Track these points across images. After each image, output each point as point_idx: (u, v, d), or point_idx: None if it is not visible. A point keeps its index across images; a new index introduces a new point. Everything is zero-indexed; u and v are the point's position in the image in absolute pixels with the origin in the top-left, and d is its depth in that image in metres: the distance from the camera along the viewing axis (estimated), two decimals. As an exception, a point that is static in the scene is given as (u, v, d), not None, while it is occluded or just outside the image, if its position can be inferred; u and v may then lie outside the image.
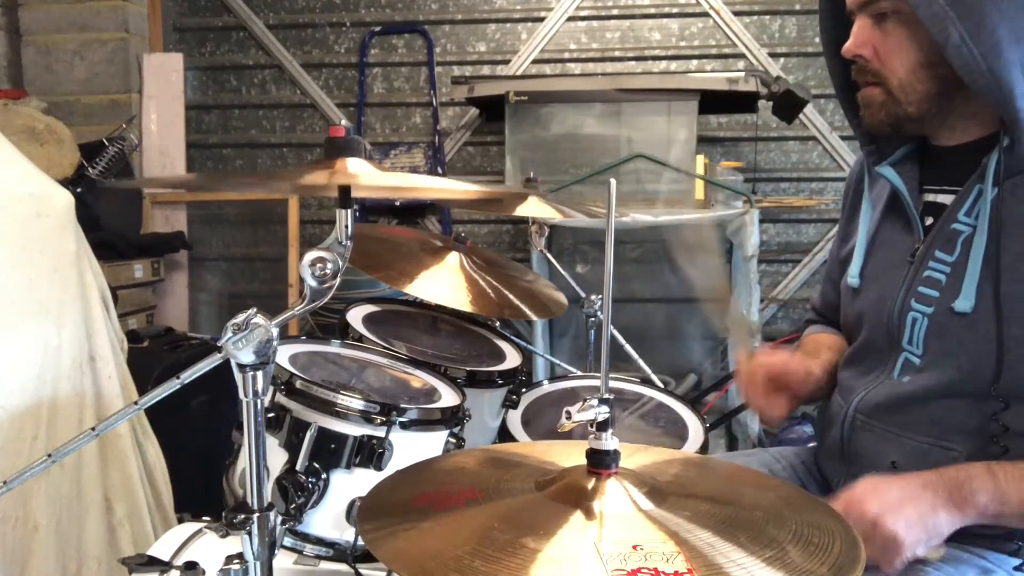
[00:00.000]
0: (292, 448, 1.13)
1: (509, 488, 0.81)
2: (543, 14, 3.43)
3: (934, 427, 1.06)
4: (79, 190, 2.68)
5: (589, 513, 0.73)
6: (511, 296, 1.64)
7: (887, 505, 0.94)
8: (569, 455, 0.86)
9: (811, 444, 1.45)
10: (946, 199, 1.11)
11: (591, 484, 0.76)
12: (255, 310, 0.82)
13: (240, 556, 0.87)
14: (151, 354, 2.44)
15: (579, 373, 1.88)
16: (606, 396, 0.78)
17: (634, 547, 0.67)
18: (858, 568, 0.67)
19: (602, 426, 0.78)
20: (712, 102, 2.97)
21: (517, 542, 0.68)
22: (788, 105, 2.89)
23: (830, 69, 1.23)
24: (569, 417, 0.77)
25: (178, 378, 0.88)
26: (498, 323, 1.80)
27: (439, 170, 3.48)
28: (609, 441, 0.78)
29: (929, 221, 1.12)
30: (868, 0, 1.07)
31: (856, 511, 0.95)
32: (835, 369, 1.29)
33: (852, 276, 1.22)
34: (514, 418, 1.56)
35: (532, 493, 0.79)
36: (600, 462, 0.78)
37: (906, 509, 0.94)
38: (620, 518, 0.73)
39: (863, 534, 0.93)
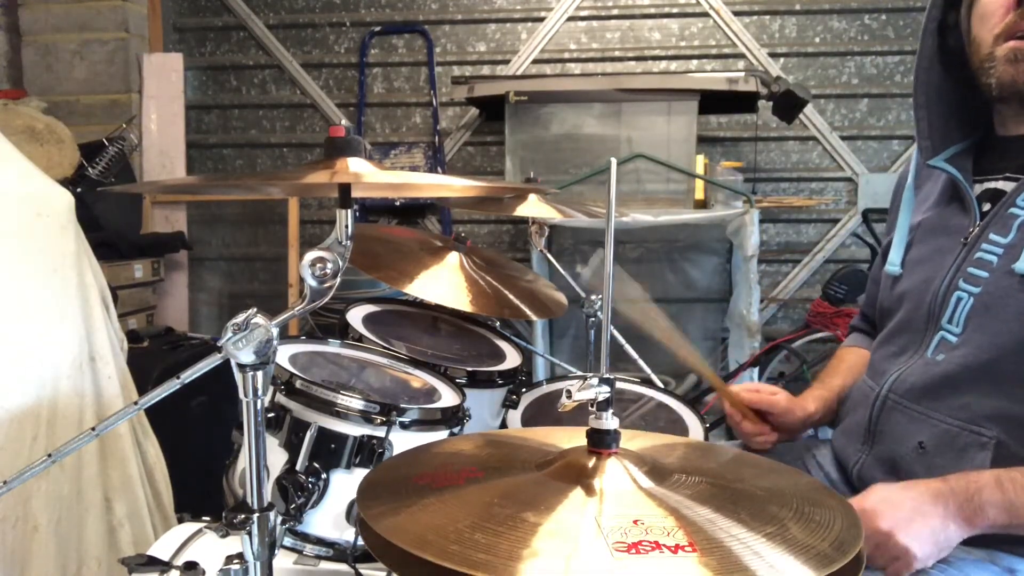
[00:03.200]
0: (292, 448, 1.13)
1: (510, 468, 0.81)
2: (543, 14, 3.43)
3: (965, 411, 1.06)
4: (79, 190, 2.68)
5: (589, 490, 0.73)
6: (511, 296, 1.64)
7: (899, 520, 0.95)
8: (569, 439, 0.86)
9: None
10: (1006, 186, 1.11)
11: (591, 463, 0.76)
12: (255, 310, 0.82)
13: (240, 556, 0.87)
14: (151, 354, 2.44)
15: (579, 373, 1.87)
16: (606, 376, 0.78)
17: (635, 522, 0.67)
18: (858, 544, 0.67)
19: (602, 406, 0.78)
20: (712, 102, 2.97)
21: (517, 516, 0.68)
22: (788, 105, 2.89)
23: (926, 45, 1.18)
24: (570, 396, 0.77)
25: (178, 378, 0.88)
26: (498, 323, 1.80)
27: (439, 170, 3.48)
28: (610, 420, 0.78)
29: (986, 207, 1.13)
30: None
31: (868, 524, 0.95)
32: (843, 394, 1.31)
33: (892, 264, 1.23)
34: (514, 418, 1.56)
35: (532, 472, 0.79)
36: (601, 442, 0.78)
37: (916, 524, 0.95)
38: (620, 495, 0.73)
39: (875, 546, 0.94)
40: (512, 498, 0.72)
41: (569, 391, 0.77)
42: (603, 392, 0.77)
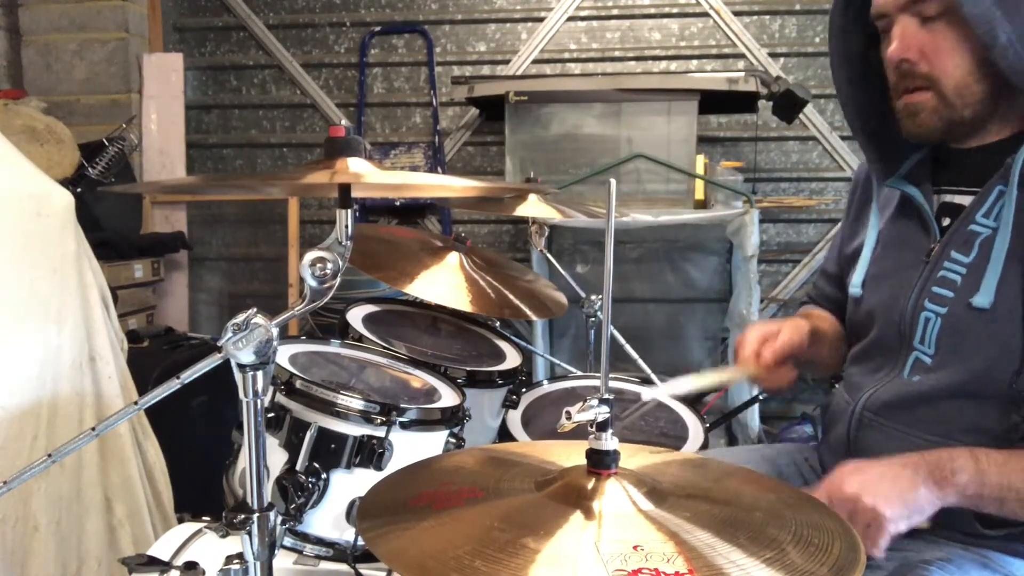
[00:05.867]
0: (292, 448, 1.13)
1: (509, 488, 0.81)
2: (543, 14, 3.43)
3: (942, 426, 1.06)
4: (79, 190, 2.68)
5: (589, 513, 0.73)
6: (511, 296, 1.64)
7: (866, 483, 0.95)
8: (569, 455, 0.86)
9: (813, 443, 1.45)
10: (963, 200, 1.11)
11: (591, 484, 0.76)
12: (255, 310, 0.82)
13: (240, 556, 0.87)
14: (151, 354, 2.44)
15: (579, 373, 1.88)
16: (606, 396, 0.78)
17: (635, 547, 0.67)
18: (858, 569, 0.67)
19: (602, 426, 0.78)
20: (712, 102, 2.97)
21: (517, 542, 0.68)
22: (788, 105, 2.89)
23: (838, 79, 1.19)
24: (569, 417, 0.77)
25: (178, 378, 0.88)
26: (498, 323, 1.80)
27: (439, 170, 3.48)
28: (609, 441, 0.78)
29: (946, 222, 1.12)
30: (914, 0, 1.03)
31: (837, 492, 0.96)
32: (820, 334, 1.29)
33: (854, 286, 1.22)
34: (514, 418, 1.56)
35: (532, 493, 0.79)
36: (600, 462, 0.78)
37: (884, 485, 0.95)
38: (620, 518, 0.73)
39: (846, 514, 0.93)
40: (512, 521, 0.72)
41: (568, 412, 0.77)
42: (602, 413, 0.77)
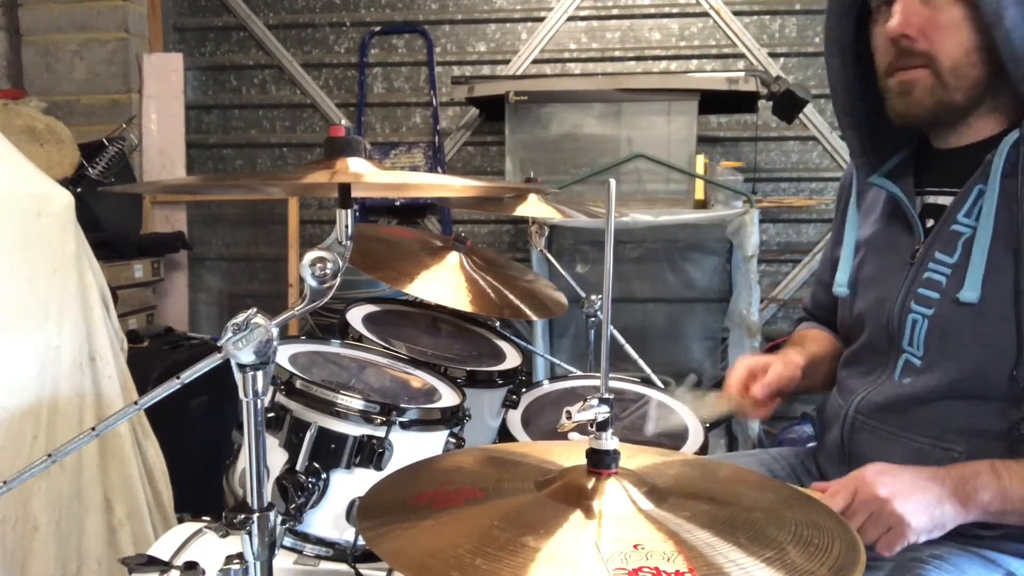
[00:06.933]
0: (292, 448, 1.13)
1: (509, 487, 0.81)
2: (543, 14, 3.43)
3: (934, 427, 1.07)
4: (79, 190, 2.67)
5: (589, 512, 0.73)
6: (511, 296, 1.64)
7: (898, 489, 0.95)
8: (569, 455, 0.86)
9: (811, 444, 1.46)
10: (945, 200, 1.11)
11: (591, 484, 0.76)
12: (255, 310, 0.82)
13: (240, 556, 0.87)
14: (151, 354, 2.44)
15: (579, 373, 1.88)
16: (606, 396, 0.78)
17: (635, 546, 0.67)
18: (858, 568, 0.67)
19: (602, 426, 0.78)
20: (712, 102, 2.97)
21: (517, 541, 0.68)
22: (788, 105, 2.89)
23: (832, 68, 1.18)
24: (569, 417, 0.77)
25: (178, 378, 0.88)
26: (498, 323, 1.80)
27: (439, 170, 3.48)
28: (609, 441, 0.78)
29: (930, 223, 1.12)
30: None
31: (867, 491, 0.95)
32: (817, 361, 1.29)
33: (839, 286, 1.22)
34: (514, 418, 1.56)
35: (532, 492, 0.79)
36: (600, 462, 0.78)
37: (915, 496, 0.95)
38: (620, 518, 0.73)
39: (869, 515, 0.93)
40: (512, 521, 0.72)
41: (569, 412, 0.77)
42: (602, 413, 0.77)
